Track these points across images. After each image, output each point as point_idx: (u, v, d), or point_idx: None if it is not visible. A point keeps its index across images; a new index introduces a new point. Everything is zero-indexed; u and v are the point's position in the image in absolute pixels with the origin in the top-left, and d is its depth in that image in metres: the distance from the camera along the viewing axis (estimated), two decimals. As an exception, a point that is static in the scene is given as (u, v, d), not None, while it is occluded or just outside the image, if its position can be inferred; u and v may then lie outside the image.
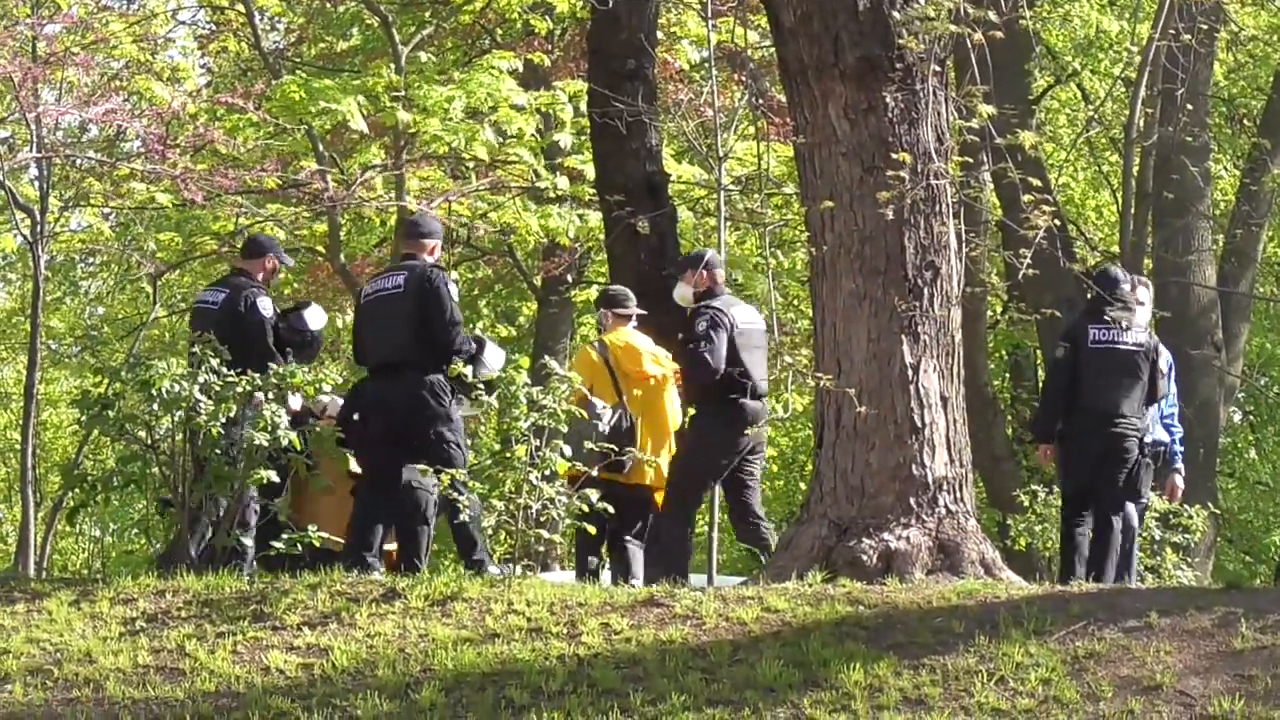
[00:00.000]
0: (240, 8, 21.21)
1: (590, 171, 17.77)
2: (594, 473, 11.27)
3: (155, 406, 11.20)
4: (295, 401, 12.05)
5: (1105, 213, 26.75)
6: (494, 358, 11.58)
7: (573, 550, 14.85)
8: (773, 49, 12.99)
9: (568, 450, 10.94)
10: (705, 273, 12.60)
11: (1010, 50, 17.44)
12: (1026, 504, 15.16)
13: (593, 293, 22.88)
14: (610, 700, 8.91)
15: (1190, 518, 14.51)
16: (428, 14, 22.25)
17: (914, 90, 11.39)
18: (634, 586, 11.25)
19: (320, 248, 21.03)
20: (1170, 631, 9.38)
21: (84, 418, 12.00)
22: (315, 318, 12.39)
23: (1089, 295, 12.42)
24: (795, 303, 23.04)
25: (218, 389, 11.15)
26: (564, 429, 10.96)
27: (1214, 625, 9.42)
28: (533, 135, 18.68)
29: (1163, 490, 13.45)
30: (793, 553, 11.29)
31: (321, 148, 19.35)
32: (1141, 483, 12.56)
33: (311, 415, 12.29)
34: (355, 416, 11.67)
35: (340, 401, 12.27)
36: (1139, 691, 8.86)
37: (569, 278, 22.34)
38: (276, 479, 11.21)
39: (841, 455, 11.34)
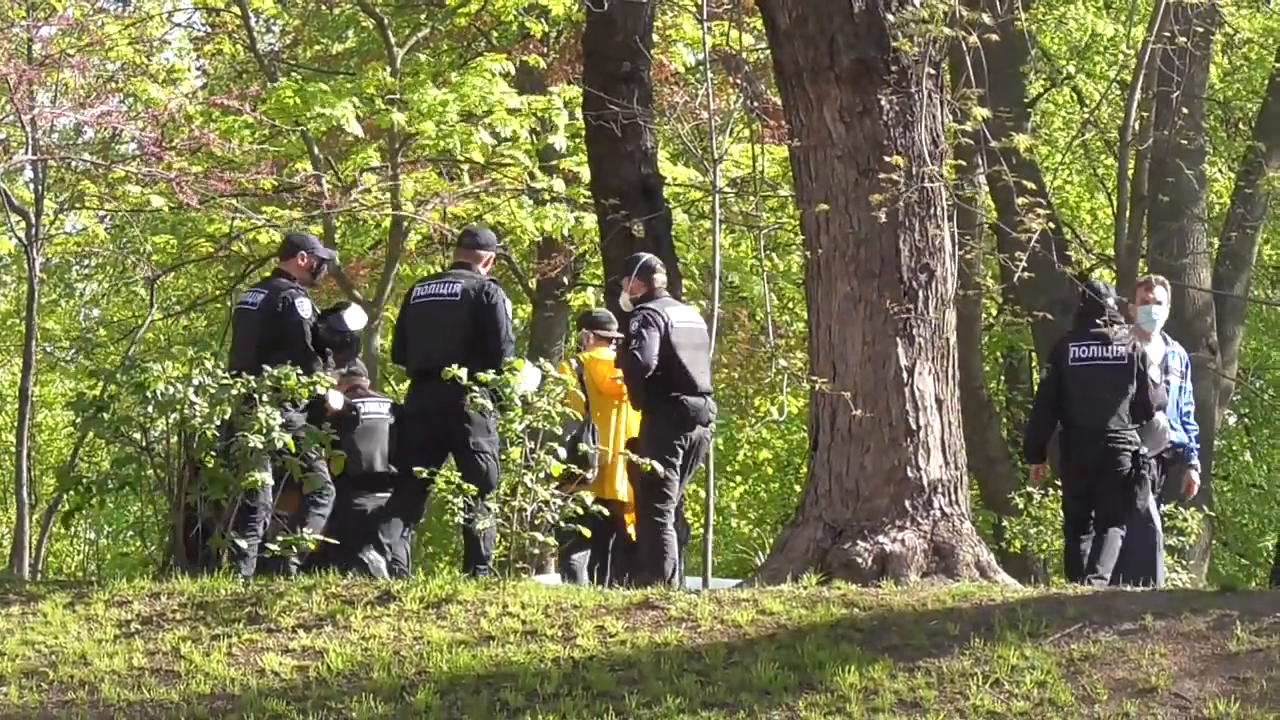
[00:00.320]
0: (236, 10, 21.20)
1: (585, 174, 17.76)
2: (562, 494, 11.10)
3: (150, 409, 11.19)
4: (336, 400, 12.11)
5: (1100, 216, 26.77)
6: (530, 377, 11.45)
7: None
8: (768, 51, 13.01)
9: (562, 453, 10.92)
10: (638, 279, 12.52)
11: (1005, 53, 17.45)
12: (1021, 506, 15.18)
13: (588, 296, 22.90)
14: (605, 703, 8.91)
15: (1185, 520, 14.52)
16: (423, 16, 22.26)
17: (909, 93, 11.40)
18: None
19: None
20: (1165, 634, 9.38)
21: (79, 420, 11.98)
22: (355, 318, 12.28)
23: (1080, 302, 12.40)
24: (790, 305, 23.06)
25: (213, 391, 11.14)
26: (559, 431, 10.94)
27: (1209, 628, 9.42)
28: (528, 138, 18.69)
29: (1180, 487, 13.40)
30: (788, 555, 11.29)
31: (317, 150, 19.36)
32: (1139, 494, 12.49)
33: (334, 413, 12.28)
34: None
35: (341, 396, 12.30)
36: (1134, 694, 8.86)
37: (564, 280, 22.35)
38: (271, 481, 11.21)
39: (836, 458, 11.34)
